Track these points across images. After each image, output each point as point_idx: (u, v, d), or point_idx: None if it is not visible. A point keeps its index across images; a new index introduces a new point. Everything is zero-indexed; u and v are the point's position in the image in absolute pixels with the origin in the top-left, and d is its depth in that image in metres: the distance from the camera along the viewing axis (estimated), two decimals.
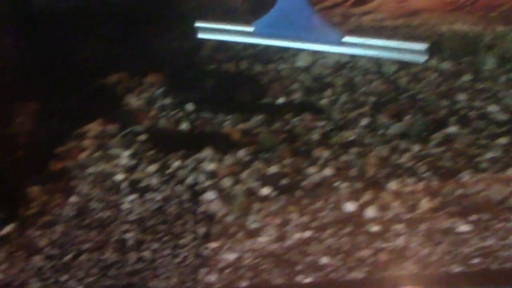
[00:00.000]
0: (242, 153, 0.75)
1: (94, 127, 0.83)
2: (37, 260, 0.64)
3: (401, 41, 0.63)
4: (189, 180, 0.73)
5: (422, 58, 0.63)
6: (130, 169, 0.76)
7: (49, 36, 0.93)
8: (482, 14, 1.04)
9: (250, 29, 0.69)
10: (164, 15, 1.01)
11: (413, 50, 0.62)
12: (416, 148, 0.74)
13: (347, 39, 0.65)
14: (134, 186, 0.73)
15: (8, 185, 0.74)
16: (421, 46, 0.62)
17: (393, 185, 0.69)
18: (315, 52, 0.99)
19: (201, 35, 0.73)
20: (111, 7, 0.95)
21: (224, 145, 0.78)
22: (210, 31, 0.72)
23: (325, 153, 0.74)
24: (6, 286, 0.62)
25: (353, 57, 0.97)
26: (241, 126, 0.82)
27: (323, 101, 0.86)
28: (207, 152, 0.75)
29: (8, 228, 0.68)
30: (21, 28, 0.91)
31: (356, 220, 0.65)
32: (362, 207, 0.66)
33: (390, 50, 0.63)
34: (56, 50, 0.94)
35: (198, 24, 0.73)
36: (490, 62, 0.90)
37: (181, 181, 0.73)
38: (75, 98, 0.87)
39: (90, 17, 0.95)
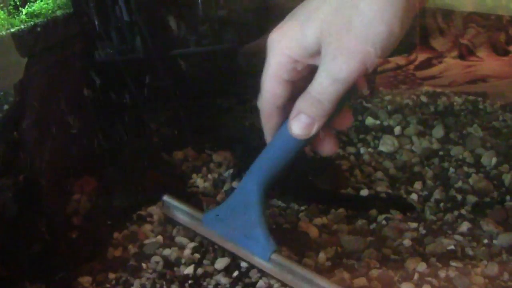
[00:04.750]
0: (322, 257, 0.65)
1: (155, 211, 0.75)
2: None
3: None
4: (260, 284, 0.63)
5: None
6: (196, 263, 0.67)
7: (109, 100, 0.88)
8: None
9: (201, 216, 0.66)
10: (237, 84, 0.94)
11: None
12: None
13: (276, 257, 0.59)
14: (200, 284, 0.64)
15: (56, 274, 0.66)
16: None
17: None
18: (400, 136, 0.89)
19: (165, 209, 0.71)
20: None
21: (300, 243, 0.68)
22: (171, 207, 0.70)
23: (421, 266, 0.63)
24: None
25: (444, 144, 0.86)
26: (318, 220, 0.73)
27: (413, 196, 0.76)
28: (283, 252, 0.65)
29: None
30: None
31: None
32: None
33: None
34: (117, 119, 0.88)
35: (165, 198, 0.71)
36: None
37: (253, 285, 0.63)
38: (137, 175, 0.80)
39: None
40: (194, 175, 0.81)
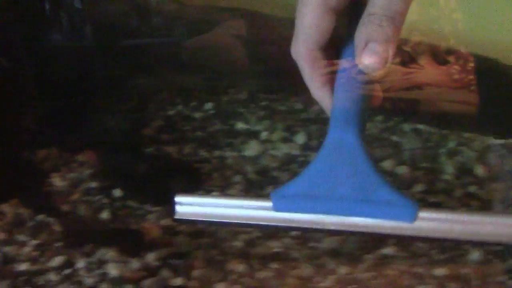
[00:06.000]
0: (151, 257, 0.68)
1: (6, 209, 0.77)
2: None
3: None
4: (89, 282, 0.66)
5: None
6: (33, 261, 0.69)
7: None
8: None
9: (266, 203, 0.49)
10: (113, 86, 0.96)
11: None
12: (342, 270, 0.66)
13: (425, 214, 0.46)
14: (31, 281, 0.66)
15: None
16: None
17: None
18: (265, 141, 0.93)
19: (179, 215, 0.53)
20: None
21: (137, 243, 0.71)
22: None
23: (240, 267, 0.66)
24: None
25: (304, 151, 0.90)
26: (165, 221, 0.76)
27: None
28: (111, 253, 0.68)
29: None
30: None
31: None
32: None
33: None
34: None
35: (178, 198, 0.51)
36: (449, 171, 0.83)
37: (79, 283, 0.66)
38: None
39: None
40: (53, 174, 0.83)
